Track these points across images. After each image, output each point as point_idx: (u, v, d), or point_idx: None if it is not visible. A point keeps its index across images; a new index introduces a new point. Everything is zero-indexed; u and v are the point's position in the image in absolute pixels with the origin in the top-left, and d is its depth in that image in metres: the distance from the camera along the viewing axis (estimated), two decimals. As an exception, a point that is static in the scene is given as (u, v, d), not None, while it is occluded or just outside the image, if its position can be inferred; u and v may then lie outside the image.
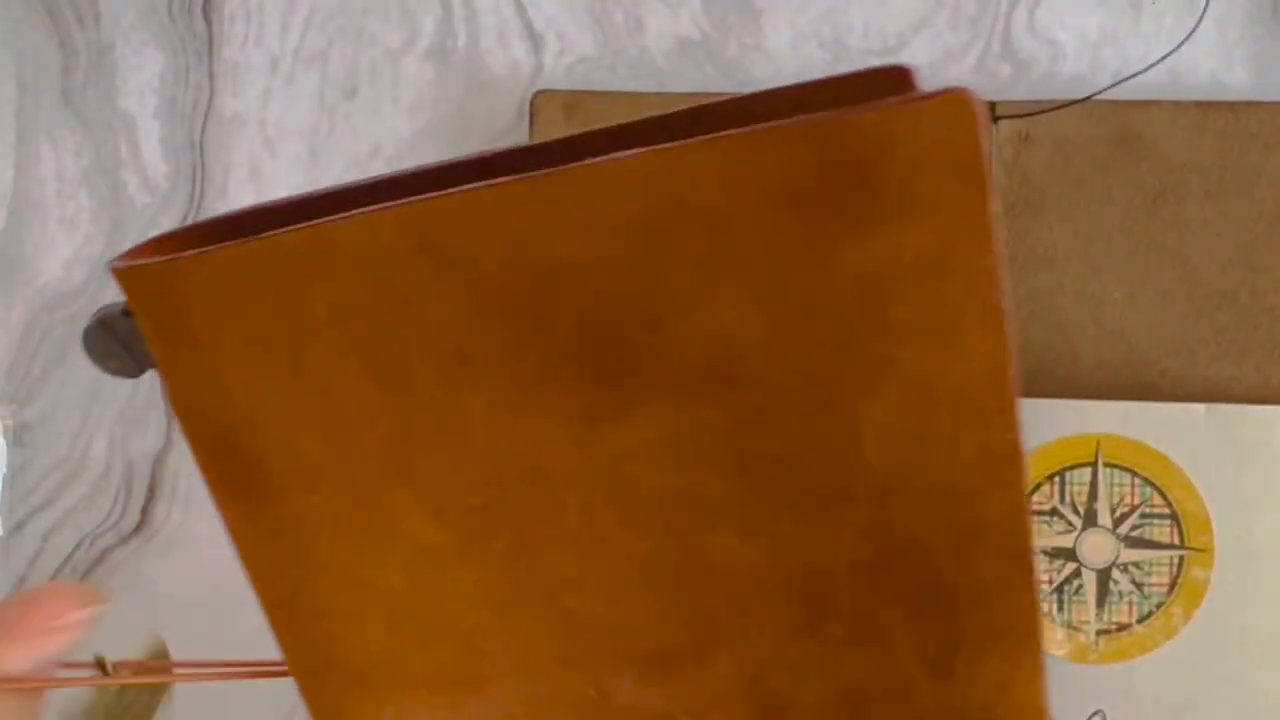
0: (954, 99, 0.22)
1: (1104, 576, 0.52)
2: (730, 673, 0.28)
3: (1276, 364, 0.55)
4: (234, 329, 0.25)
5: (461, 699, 0.28)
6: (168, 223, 0.59)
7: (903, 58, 0.59)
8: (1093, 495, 0.52)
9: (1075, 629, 0.52)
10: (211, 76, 0.60)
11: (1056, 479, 0.52)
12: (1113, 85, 0.56)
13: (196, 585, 0.60)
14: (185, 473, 0.59)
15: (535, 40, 0.59)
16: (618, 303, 0.24)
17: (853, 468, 0.25)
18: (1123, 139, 0.55)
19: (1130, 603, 0.52)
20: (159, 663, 0.51)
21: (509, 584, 0.27)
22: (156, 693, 0.59)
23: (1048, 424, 0.52)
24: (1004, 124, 0.55)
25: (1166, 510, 0.52)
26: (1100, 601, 0.52)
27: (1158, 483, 0.52)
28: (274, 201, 0.26)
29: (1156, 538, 0.52)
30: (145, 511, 0.60)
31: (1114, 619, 0.52)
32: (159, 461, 0.60)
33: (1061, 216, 0.55)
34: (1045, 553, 0.52)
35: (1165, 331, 0.55)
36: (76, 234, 0.60)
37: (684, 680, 0.28)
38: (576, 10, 0.59)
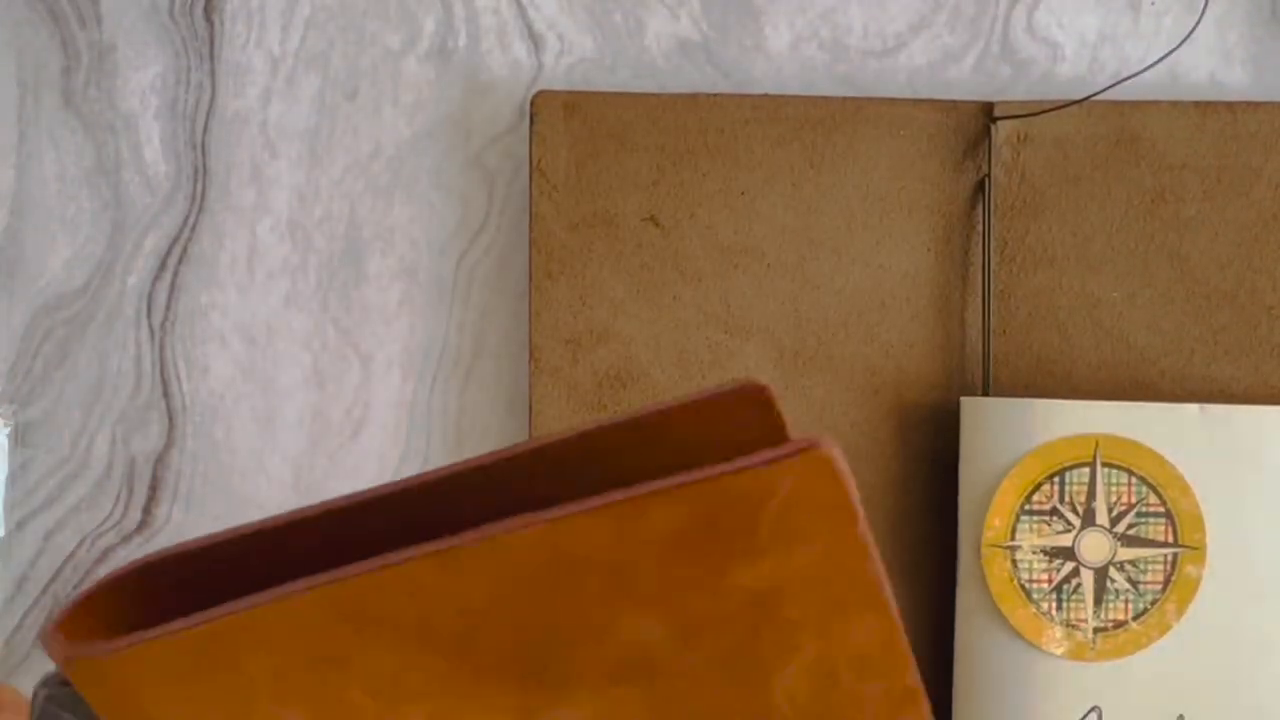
0: (814, 457, 0.25)
1: (1101, 575, 0.52)
2: None
3: (1275, 364, 0.55)
4: (177, 703, 0.27)
5: None
6: (169, 223, 0.60)
7: (901, 58, 0.59)
8: (1091, 495, 0.52)
9: (1073, 627, 0.52)
10: (213, 77, 0.60)
11: (1056, 479, 0.52)
12: (1112, 85, 0.56)
13: (198, 584, 0.60)
14: (187, 473, 0.60)
15: (535, 41, 0.59)
16: (533, 630, 0.27)
17: None
18: (1121, 139, 0.55)
19: (1126, 600, 0.52)
20: None
21: None
22: None
23: (1047, 424, 0.52)
24: (1003, 124, 0.55)
25: (1161, 509, 0.52)
26: (1098, 600, 0.52)
27: (1153, 482, 0.52)
28: (206, 538, 0.28)
29: (1151, 536, 0.52)
30: (147, 511, 0.60)
31: (1111, 617, 0.52)
32: (160, 461, 0.60)
33: (1060, 216, 0.56)
34: (1045, 552, 0.52)
35: (1163, 331, 0.55)
36: (78, 234, 0.60)
37: None
38: (576, 11, 0.59)
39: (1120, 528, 0.52)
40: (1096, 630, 0.52)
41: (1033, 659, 0.52)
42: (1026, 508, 0.52)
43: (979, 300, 0.55)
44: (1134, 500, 0.52)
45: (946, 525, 0.54)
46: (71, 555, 0.60)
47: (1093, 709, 0.52)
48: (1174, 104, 0.55)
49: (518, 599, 0.26)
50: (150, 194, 0.60)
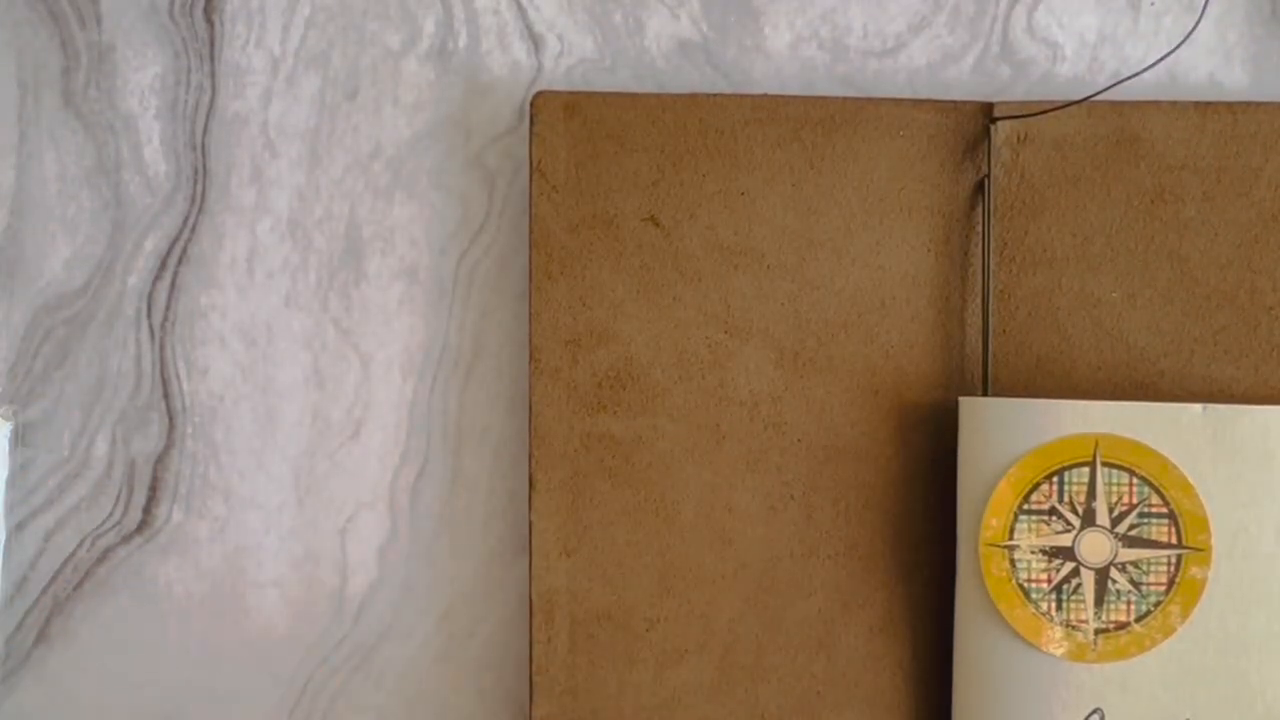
0: None
1: (1102, 576, 0.52)
2: None
3: (1274, 364, 0.55)
4: None
5: None
6: (169, 223, 0.60)
7: (901, 59, 0.59)
8: (1091, 495, 0.52)
9: (1074, 628, 0.52)
10: (213, 77, 0.60)
11: (1055, 478, 0.52)
12: (1111, 86, 0.56)
13: (197, 585, 0.60)
14: (186, 473, 0.60)
15: (535, 41, 0.59)
16: None
17: None
18: (1121, 140, 0.55)
19: (1128, 602, 0.52)
20: None
21: None
22: None
23: (1046, 423, 0.52)
24: (1002, 125, 0.55)
25: (1164, 510, 0.52)
26: (1099, 600, 0.52)
27: (1156, 482, 0.52)
28: None
29: (1154, 537, 0.52)
30: (147, 511, 0.60)
31: (1112, 618, 0.52)
32: (160, 461, 0.60)
33: (1060, 217, 0.56)
34: (1044, 552, 0.52)
35: (1163, 331, 0.55)
36: (78, 234, 0.60)
37: None
38: (576, 11, 0.59)
39: (1121, 528, 0.52)
40: (1098, 631, 0.52)
41: (1032, 659, 0.52)
42: (1025, 507, 0.52)
43: (979, 300, 0.55)
44: (1135, 501, 0.52)
45: (946, 525, 0.54)
46: (71, 555, 0.60)
47: (1095, 711, 0.52)
48: (1174, 104, 0.55)
49: None
50: (150, 194, 0.60)
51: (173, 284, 0.60)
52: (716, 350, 0.56)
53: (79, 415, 0.60)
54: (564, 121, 0.56)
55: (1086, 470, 0.52)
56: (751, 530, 0.56)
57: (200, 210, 0.60)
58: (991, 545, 0.52)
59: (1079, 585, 0.52)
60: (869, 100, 0.56)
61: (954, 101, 0.56)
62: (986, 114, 0.56)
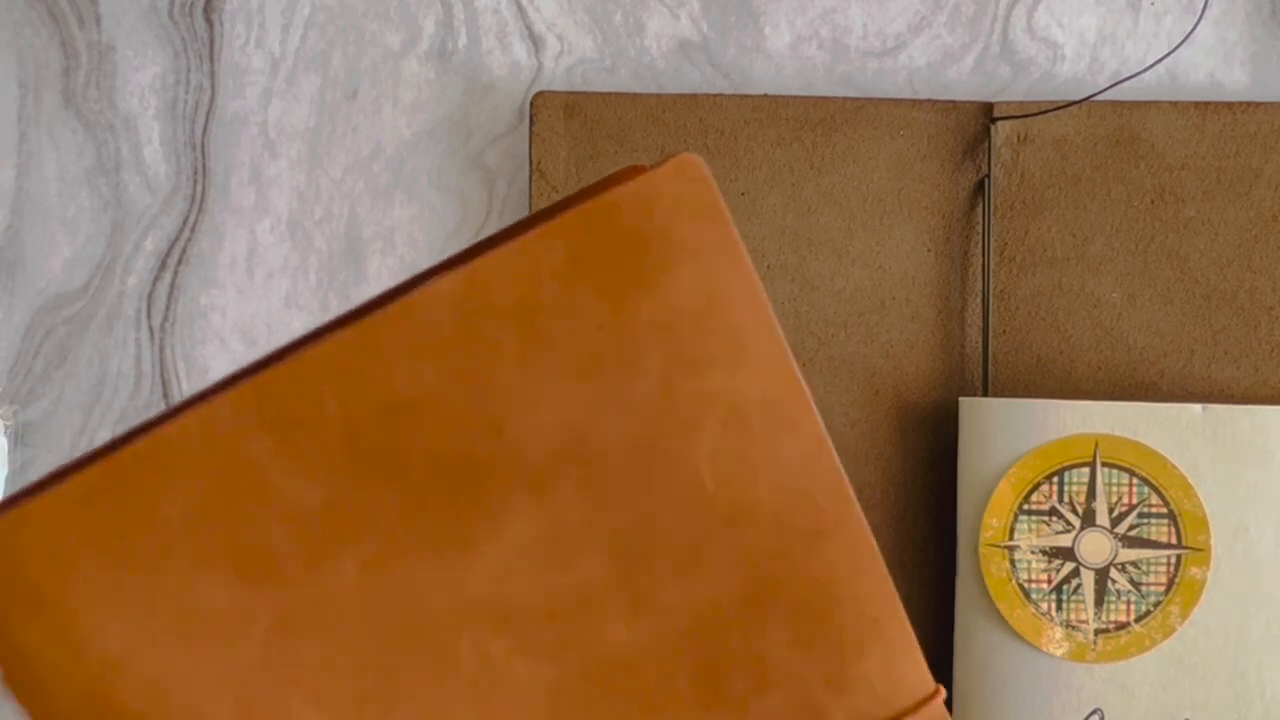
0: (683, 161, 0.27)
1: (1102, 576, 0.52)
2: None
3: (1275, 364, 0.55)
4: (81, 571, 0.24)
5: None
6: (169, 223, 0.60)
7: (901, 59, 0.59)
8: (1091, 495, 0.52)
9: (1074, 628, 0.52)
10: (213, 77, 0.60)
11: (1055, 479, 0.52)
12: (1111, 86, 0.56)
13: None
14: (186, 472, 0.60)
15: (535, 42, 0.59)
16: (457, 420, 0.26)
17: (702, 507, 0.28)
18: (1121, 140, 0.55)
19: (1128, 602, 0.52)
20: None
21: None
22: None
23: (1046, 424, 0.52)
24: (1002, 125, 0.55)
25: (1164, 510, 0.52)
26: (1099, 601, 0.52)
27: (1155, 482, 0.52)
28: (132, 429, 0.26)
29: (1154, 537, 0.52)
30: (146, 511, 0.60)
31: (1112, 618, 0.52)
32: (160, 461, 0.60)
33: (1060, 217, 0.56)
34: (1044, 552, 0.52)
35: (1163, 332, 0.55)
36: (78, 234, 0.60)
37: None
38: (576, 12, 0.59)
39: (1121, 528, 0.52)
40: (1098, 632, 0.52)
41: (1032, 659, 0.52)
42: (1025, 507, 0.52)
43: (979, 300, 0.55)
44: (1135, 501, 0.52)
45: (946, 525, 0.54)
46: (71, 555, 0.60)
47: (1095, 711, 0.52)
48: (1174, 104, 0.55)
49: (439, 376, 0.26)
50: (150, 194, 0.60)
51: (172, 284, 0.60)
52: (716, 350, 0.56)
53: (79, 415, 0.60)
54: (564, 121, 0.56)
55: (1086, 470, 0.52)
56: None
57: (200, 210, 0.60)
58: (991, 545, 0.52)
59: (1079, 585, 0.52)
60: (869, 100, 0.56)
61: (954, 101, 0.56)
62: (986, 114, 0.56)
